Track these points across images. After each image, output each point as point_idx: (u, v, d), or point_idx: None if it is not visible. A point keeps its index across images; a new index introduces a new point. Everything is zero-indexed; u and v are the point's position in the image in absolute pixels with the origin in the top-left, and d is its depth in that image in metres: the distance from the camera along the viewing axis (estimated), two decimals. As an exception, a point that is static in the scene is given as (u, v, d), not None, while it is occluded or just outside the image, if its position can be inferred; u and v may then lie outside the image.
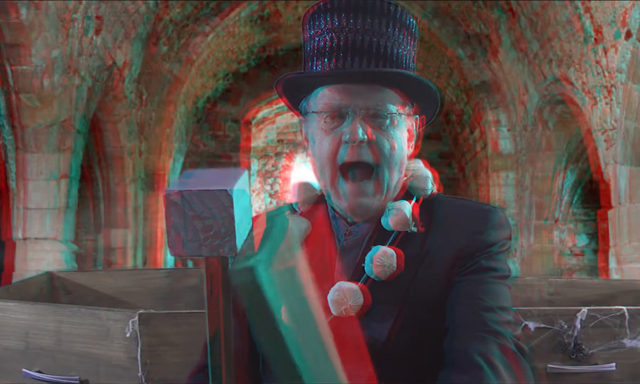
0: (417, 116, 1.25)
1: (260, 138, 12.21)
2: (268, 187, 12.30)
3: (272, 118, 12.00)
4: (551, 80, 6.90)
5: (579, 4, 5.81)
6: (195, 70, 9.07)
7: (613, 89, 5.50)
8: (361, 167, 1.17)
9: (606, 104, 5.66)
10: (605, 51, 5.56)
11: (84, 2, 6.13)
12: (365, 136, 1.14)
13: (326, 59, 1.17)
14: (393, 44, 1.17)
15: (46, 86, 5.87)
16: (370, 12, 1.16)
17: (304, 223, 1.24)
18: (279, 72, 10.74)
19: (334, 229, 1.24)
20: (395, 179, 1.21)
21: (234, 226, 0.79)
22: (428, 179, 1.25)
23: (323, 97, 1.18)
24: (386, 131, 1.17)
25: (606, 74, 5.59)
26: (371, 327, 1.12)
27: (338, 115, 1.17)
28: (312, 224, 1.24)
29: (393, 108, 1.17)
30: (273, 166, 12.37)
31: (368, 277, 1.15)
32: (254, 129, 11.75)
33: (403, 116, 1.20)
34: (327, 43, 1.17)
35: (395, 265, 1.13)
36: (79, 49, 6.31)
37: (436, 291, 1.13)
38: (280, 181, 12.36)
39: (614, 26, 5.35)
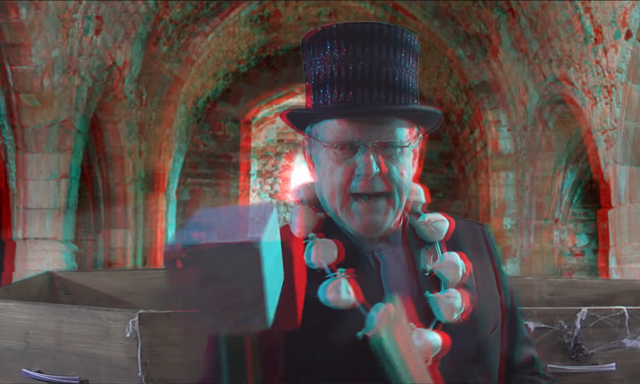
0: (422, 135, 1.27)
1: (260, 138, 12.21)
2: (268, 187, 12.31)
3: (272, 118, 12.00)
4: (551, 80, 6.89)
5: (579, 4, 5.81)
6: (195, 70, 9.06)
7: (613, 89, 5.50)
8: (374, 195, 1.19)
9: (606, 104, 5.65)
10: (605, 51, 5.55)
11: (84, 2, 6.12)
12: (379, 169, 1.16)
13: (335, 90, 1.17)
14: (401, 70, 1.18)
15: (46, 86, 5.87)
16: (376, 38, 1.17)
17: (331, 245, 1.21)
18: (279, 72, 10.74)
19: (359, 247, 1.23)
20: (405, 199, 1.23)
21: (266, 289, 0.53)
22: (421, 191, 1.30)
23: (333, 130, 1.18)
24: (396, 159, 1.19)
25: (606, 74, 5.58)
26: (449, 365, 1.15)
27: (349, 147, 1.18)
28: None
29: (403, 137, 1.19)
30: (273, 166, 12.37)
31: (439, 322, 1.17)
32: (254, 129, 11.75)
33: (412, 141, 1.22)
34: (335, 72, 1.17)
35: (465, 308, 1.19)
36: (79, 49, 6.31)
37: (493, 316, 1.24)
38: (280, 181, 12.36)
39: (614, 26, 5.35)
